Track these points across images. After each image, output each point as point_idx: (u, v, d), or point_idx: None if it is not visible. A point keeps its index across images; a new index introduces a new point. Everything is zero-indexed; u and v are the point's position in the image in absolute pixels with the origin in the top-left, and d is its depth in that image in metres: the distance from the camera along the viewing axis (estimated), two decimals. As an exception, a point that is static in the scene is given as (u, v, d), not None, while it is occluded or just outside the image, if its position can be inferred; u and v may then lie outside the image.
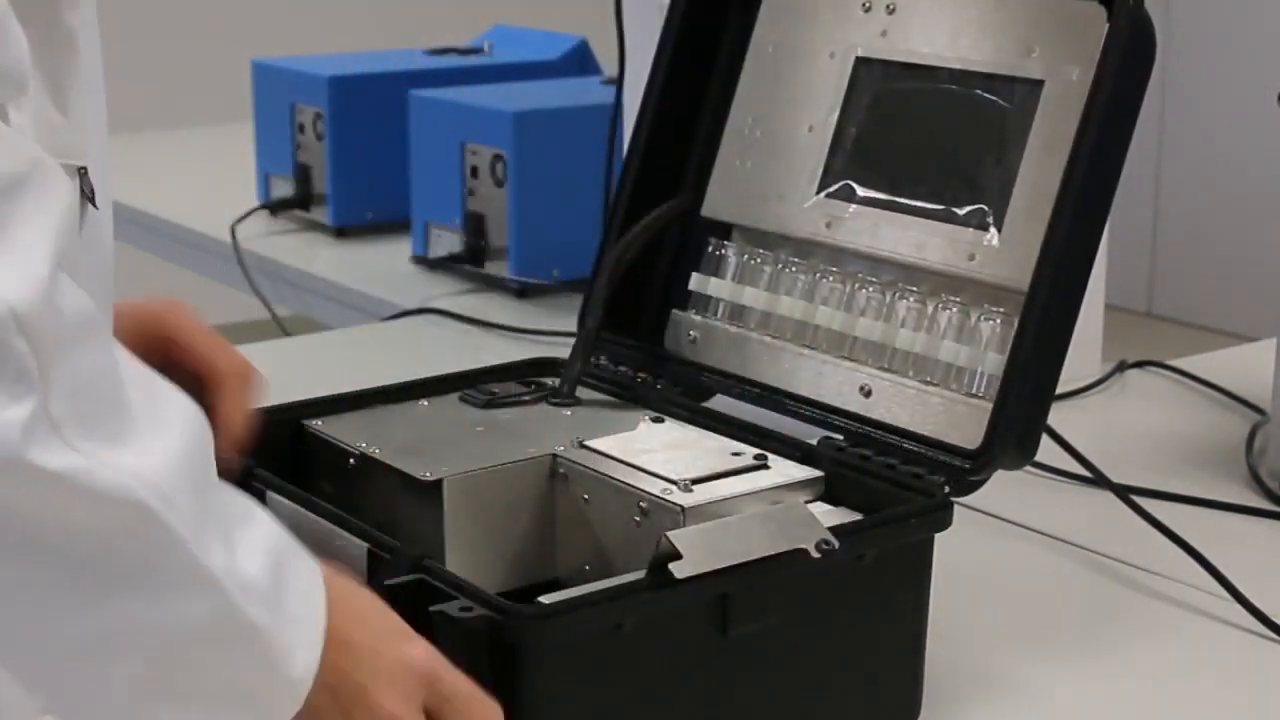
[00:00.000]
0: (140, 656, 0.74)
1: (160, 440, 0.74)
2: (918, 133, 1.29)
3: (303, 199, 2.52)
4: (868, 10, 1.32)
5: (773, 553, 0.99)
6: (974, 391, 1.20)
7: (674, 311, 1.39)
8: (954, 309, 1.23)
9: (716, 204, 1.39)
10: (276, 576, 0.78)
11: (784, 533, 1.00)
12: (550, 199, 2.14)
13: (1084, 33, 1.18)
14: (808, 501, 1.10)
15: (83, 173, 0.88)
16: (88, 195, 0.88)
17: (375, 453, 1.15)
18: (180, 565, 0.73)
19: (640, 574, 0.97)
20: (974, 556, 1.35)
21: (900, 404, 1.23)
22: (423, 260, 2.28)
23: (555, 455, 1.15)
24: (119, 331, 0.94)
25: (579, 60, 2.65)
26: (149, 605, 0.73)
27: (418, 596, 0.94)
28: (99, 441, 0.71)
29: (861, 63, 1.32)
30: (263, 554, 0.78)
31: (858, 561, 1.04)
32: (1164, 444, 1.66)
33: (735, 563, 0.97)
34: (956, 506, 1.09)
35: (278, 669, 0.77)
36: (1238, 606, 1.28)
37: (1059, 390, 1.20)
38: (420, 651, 0.87)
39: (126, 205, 2.78)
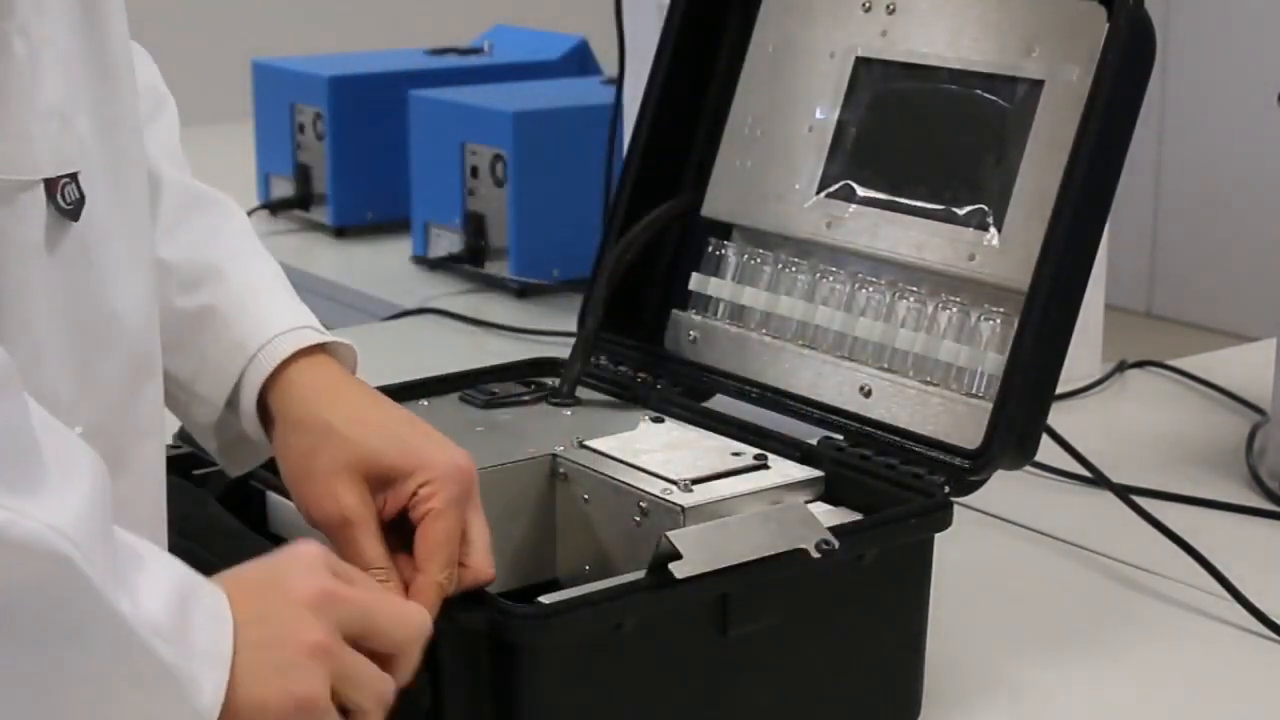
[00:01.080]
0: (55, 703, 0.74)
1: (72, 491, 0.74)
2: (918, 133, 1.29)
3: (303, 199, 2.52)
4: (868, 10, 1.32)
5: (773, 553, 0.99)
6: (974, 391, 1.20)
7: (674, 311, 1.39)
8: (954, 309, 1.23)
9: (716, 204, 1.39)
10: (181, 612, 0.78)
11: (784, 533, 1.00)
12: (550, 199, 2.14)
13: (1084, 33, 1.18)
14: (808, 501, 1.10)
15: (64, 182, 0.86)
16: (64, 209, 0.86)
17: (375, 453, 1.14)
18: (97, 613, 0.74)
19: (640, 574, 0.97)
20: (974, 556, 1.35)
21: (900, 404, 1.23)
22: (423, 260, 2.28)
23: (555, 455, 1.15)
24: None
25: (579, 60, 2.65)
26: (66, 652, 0.73)
27: (418, 596, 0.94)
28: (18, 494, 0.71)
29: (861, 63, 1.32)
30: (164, 592, 0.78)
31: (858, 561, 1.04)
32: (1164, 444, 1.66)
33: (735, 563, 0.97)
34: (956, 506, 1.09)
35: (187, 702, 0.77)
36: (1238, 606, 1.28)
37: (1059, 390, 1.20)
38: (319, 585, 0.85)
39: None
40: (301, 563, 0.85)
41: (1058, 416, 1.30)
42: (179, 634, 0.77)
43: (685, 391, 1.31)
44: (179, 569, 0.80)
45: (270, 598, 0.82)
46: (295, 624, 0.81)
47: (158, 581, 0.78)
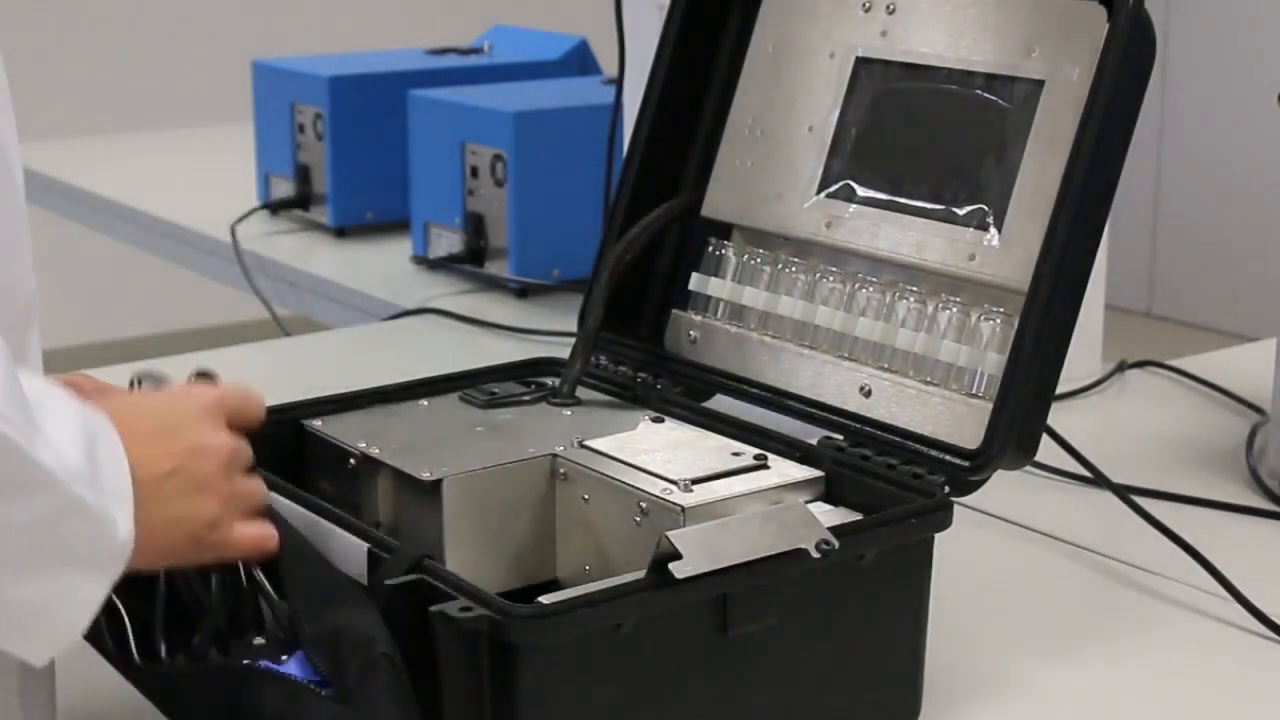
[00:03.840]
0: None
1: None
2: (918, 133, 1.29)
3: (303, 199, 2.52)
4: (868, 10, 1.32)
5: (773, 553, 0.99)
6: (974, 391, 1.20)
7: (674, 311, 1.39)
8: (954, 309, 1.23)
9: (716, 204, 1.39)
10: (90, 455, 0.85)
11: (784, 533, 1.00)
12: (550, 199, 2.14)
13: (1084, 33, 1.18)
14: (808, 501, 1.10)
15: None
16: None
17: (375, 453, 1.15)
18: (22, 469, 0.80)
19: (640, 574, 0.97)
20: (974, 556, 1.35)
21: (900, 404, 1.23)
22: (423, 260, 2.28)
23: (555, 455, 1.15)
24: None
25: (579, 60, 2.65)
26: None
27: (417, 596, 0.94)
28: None
29: (861, 63, 1.32)
30: (74, 436, 0.84)
31: (858, 561, 1.04)
32: (1164, 444, 1.66)
33: (735, 563, 0.97)
34: (956, 506, 1.09)
35: (106, 538, 0.86)
36: (1238, 606, 1.28)
37: (1059, 390, 1.20)
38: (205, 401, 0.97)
39: (128, 205, 2.78)
40: (193, 400, 0.98)
41: (1058, 416, 1.30)
42: (93, 477, 0.85)
43: (685, 391, 1.31)
44: (78, 410, 0.86)
45: (166, 427, 0.94)
46: (193, 451, 0.93)
47: (67, 426, 0.84)
